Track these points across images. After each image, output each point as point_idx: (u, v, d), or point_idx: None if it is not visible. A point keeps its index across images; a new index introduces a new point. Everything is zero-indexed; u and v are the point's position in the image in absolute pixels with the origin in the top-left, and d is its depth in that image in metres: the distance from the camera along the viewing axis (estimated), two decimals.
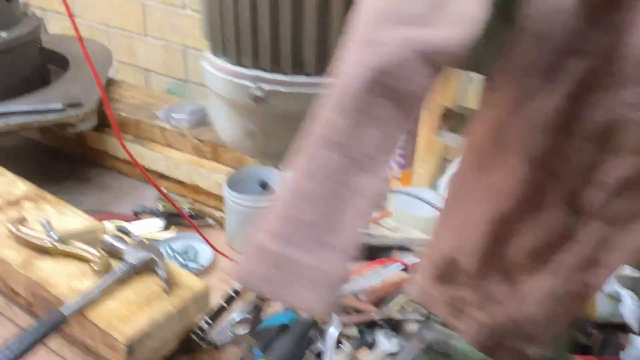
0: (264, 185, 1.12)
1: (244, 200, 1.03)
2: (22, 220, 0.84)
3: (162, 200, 1.12)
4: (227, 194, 1.06)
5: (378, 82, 0.37)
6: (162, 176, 1.25)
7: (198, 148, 1.19)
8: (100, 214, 1.10)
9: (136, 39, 1.69)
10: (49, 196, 0.95)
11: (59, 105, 1.10)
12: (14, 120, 1.05)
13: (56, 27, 1.79)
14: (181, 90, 1.67)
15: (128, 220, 1.11)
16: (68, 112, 1.09)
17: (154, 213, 1.13)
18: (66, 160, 1.36)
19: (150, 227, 1.11)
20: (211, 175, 1.16)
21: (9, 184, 0.98)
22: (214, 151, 1.17)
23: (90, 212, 1.06)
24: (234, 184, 1.08)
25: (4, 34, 1.14)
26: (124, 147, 0.88)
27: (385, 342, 0.81)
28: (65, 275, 0.76)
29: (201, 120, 1.23)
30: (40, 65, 1.28)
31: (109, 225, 1.07)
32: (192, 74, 1.62)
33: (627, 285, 0.86)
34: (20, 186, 0.97)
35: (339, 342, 0.80)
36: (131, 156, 0.90)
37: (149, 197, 1.26)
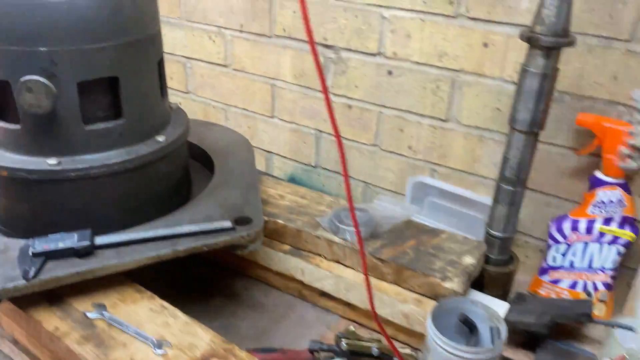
0: (466, 322, 0.93)
1: (462, 351, 0.85)
2: None
3: (347, 337, 0.94)
4: (434, 336, 0.87)
5: None
6: (324, 294, 1.08)
7: (377, 268, 1.01)
8: (271, 355, 0.93)
9: (260, 119, 1.55)
10: (237, 350, 0.78)
11: (228, 224, 0.94)
12: (182, 246, 0.90)
13: None
14: (308, 176, 1.52)
15: None
16: (239, 231, 0.94)
17: (332, 351, 0.95)
18: (205, 268, 1.21)
19: None
20: (393, 303, 0.98)
21: (186, 331, 0.81)
22: (398, 273, 0.99)
23: (257, 351, 0.90)
24: (434, 319, 0.90)
25: (160, 139, 1.00)
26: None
27: None
28: None
29: (374, 232, 1.06)
30: (187, 166, 1.14)
31: None
32: (323, 160, 1.47)
33: None
34: (201, 335, 0.81)
35: None
36: (381, 328, 0.73)
37: (310, 320, 1.08)
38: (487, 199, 1.22)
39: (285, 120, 1.50)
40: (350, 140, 1.40)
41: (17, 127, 0.90)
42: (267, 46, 1.44)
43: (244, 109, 1.58)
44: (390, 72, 1.26)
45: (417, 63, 1.21)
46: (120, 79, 0.92)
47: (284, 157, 1.55)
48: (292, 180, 1.56)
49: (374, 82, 1.29)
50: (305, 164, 1.51)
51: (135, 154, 0.95)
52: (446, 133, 1.24)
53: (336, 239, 1.05)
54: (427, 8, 1.16)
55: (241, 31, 1.47)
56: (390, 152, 1.34)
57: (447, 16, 1.14)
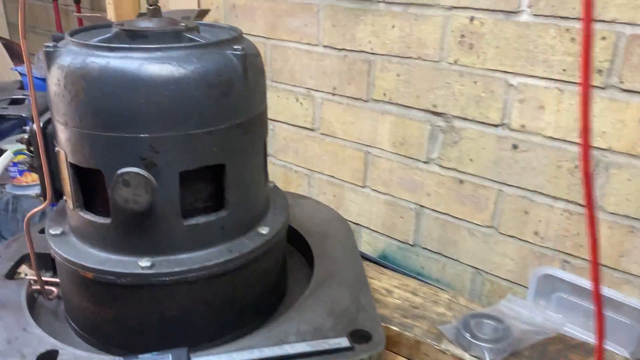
0: None
1: None
2: None
3: None
4: None
5: None
6: None
7: None
8: None
9: (348, 188, 1.40)
10: None
11: (345, 342, 0.78)
12: None
13: None
14: (404, 255, 1.34)
15: None
16: (359, 352, 0.77)
17: None
18: None
19: None
20: None
21: None
22: None
23: None
24: None
25: (263, 230, 0.85)
26: None
27: None
28: None
29: (514, 350, 0.87)
30: (285, 256, 0.99)
31: None
32: (423, 239, 1.30)
33: None
34: None
35: None
36: None
37: None
38: (636, 302, 1.02)
39: (379, 192, 1.34)
40: (459, 219, 1.22)
41: (106, 221, 0.77)
42: (363, 111, 1.30)
43: (331, 175, 1.43)
44: (515, 146, 1.09)
45: (551, 138, 1.04)
46: (227, 166, 0.78)
47: (375, 231, 1.39)
48: (384, 258, 1.39)
49: (494, 156, 1.12)
50: (401, 242, 1.34)
51: (238, 252, 0.80)
52: (585, 220, 1.05)
53: (467, 356, 0.87)
54: (568, 77, 0.99)
55: (333, 94, 1.34)
56: (511, 236, 1.15)
57: (594, 86, 0.97)
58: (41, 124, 0.79)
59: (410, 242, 1.33)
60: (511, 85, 1.06)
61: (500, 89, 1.07)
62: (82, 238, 0.81)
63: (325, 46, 1.32)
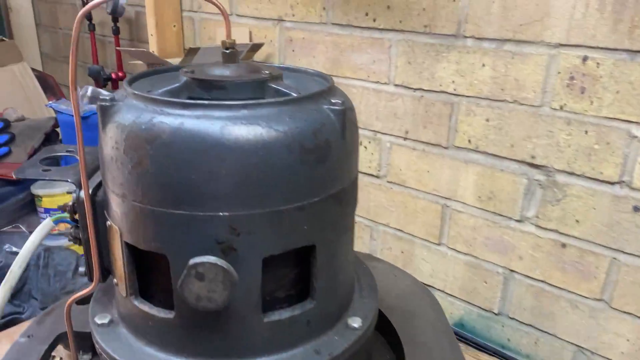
0: None
1: None
2: None
3: None
4: None
5: None
6: None
7: None
8: None
9: (420, 245, 1.24)
10: None
11: None
12: None
13: None
14: (486, 324, 1.16)
15: None
16: None
17: None
18: None
19: None
20: None
21: None
22: None
23: None
24: None
25: (354, 323, 0.69)
26: None
27: None
28: None
29: None
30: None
31: None
32: (512, 308, 1.12)
33: None
34: None
35: None
36: None
37: None
38: None
39: (458, 251, 1.17)
40: (558, 289, 1.04)
41: (168, 315, 0.61)
42: (442, 159, 1.14)
43: (398, 229, 1.27)
44: (637, 209, 0.91)
45: None
46: (317, 247, 0.63)
47: (452, 295, 1.22)
48: (461, 326, 1.21)
49: (608, 218, 0.95)
50: (484, 310, 1.16)
51: (328, 354, 0.63)
52: None
53: None
54: None
55: (405, 138, 1.19)
56: (626, 313, 0.97)
57: None
58: (90, 191, 0.65)
59: (495, 311, 1.15)
60: (635, 137, 0.89)
61: (620, 140, 0.91)
62: (136, 332, 0.65)
63: (397, 85, 1.17)
